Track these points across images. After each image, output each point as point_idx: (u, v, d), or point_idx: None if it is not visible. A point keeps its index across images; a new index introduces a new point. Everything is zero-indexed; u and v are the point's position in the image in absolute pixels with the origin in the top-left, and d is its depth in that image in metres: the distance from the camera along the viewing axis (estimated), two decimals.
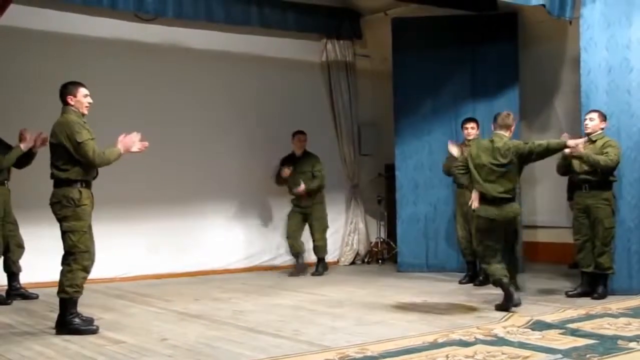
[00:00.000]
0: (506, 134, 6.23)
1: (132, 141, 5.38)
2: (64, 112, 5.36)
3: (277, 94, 9.60)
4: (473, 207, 6.22)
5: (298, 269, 8.87)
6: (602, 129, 6.69)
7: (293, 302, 6.75)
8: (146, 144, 5.45)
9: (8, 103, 6.99)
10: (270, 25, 9.28)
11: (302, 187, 8.72)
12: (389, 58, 9.32)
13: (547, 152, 6.14)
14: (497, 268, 6.05)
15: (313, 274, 8.84)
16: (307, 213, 8.93)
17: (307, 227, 9.01)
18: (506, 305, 6.02)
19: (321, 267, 8.98)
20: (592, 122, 6.67)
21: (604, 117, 6.70)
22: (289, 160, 8.98)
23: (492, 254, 6.10)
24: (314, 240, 9.00)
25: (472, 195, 6.25)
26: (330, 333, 5.23)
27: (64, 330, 5.23)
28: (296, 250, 8.93)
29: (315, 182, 8.82)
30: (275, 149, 9.46)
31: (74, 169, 5.25)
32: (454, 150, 7.72)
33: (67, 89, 5.38)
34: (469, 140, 7.78)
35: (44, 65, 7.84)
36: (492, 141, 6.20)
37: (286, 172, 8.75)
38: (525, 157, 6.14)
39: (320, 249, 9.01)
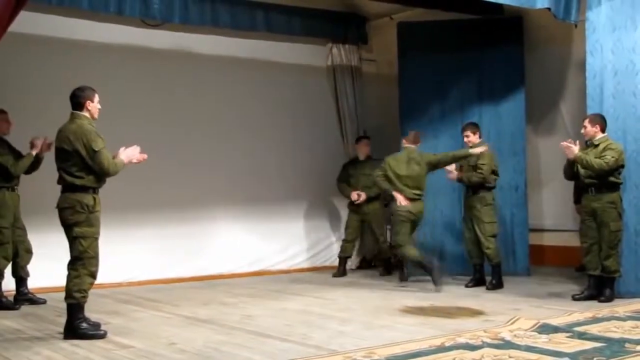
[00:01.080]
0: (415, 147, 7.94)
1: (133, 154, 5.45)
2: (76, 117, 5.37)
3: (283, 98, 9.63)
4: (402, 204, 7.75)
5: (342, 271, 9.18)
6: (598, 131, 6.68)
7: (301, 307, 6.76)
8: (145, 156, 5.50)
9: (15, 108, 7.02)
10: (276, 30, 9.32)
11: (363, 196, 9.07)
12: (395, 62, 9.34)
13: (452, 160, 7.88)
14: (414, 251, 7.75)
15: (381, 274, 9.12)
16: (365, 218, 9.22)
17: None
18: (435, 277, 7.55)
19: (384, 269, 9.21)
20: (585, 129, 6.77)
21: (597, 121, 6.71)
22: (352, 164, 9.34)
23: (407, 240, 7.82)
24: (379, 242, 9.26)
25: (397, 197, 7.76)
26: (337, 337, 5.24)
27: (72, 335, 5.25)
28: (347, 254, 9.31)
29: (376, 189, 8.98)
30: (282, 153, 9.50)
31: (88, 176, 5.28)
32: (452, 176, 7.98)
33: (85, 93, 5.39)
34: (470, 147, 7.83)
35: (50, 70, 7.90)
36: (407, 153, 7.90)
37: (354, 195, 9.13)
38: (434, 166, 7.89)
39: (386, 249, 9.22)
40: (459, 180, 7.95)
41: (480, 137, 7.93)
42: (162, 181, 8.50)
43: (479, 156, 7.75)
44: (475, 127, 7.96)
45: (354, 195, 9.08)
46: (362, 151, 9.34)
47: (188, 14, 8.47)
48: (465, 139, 7.92)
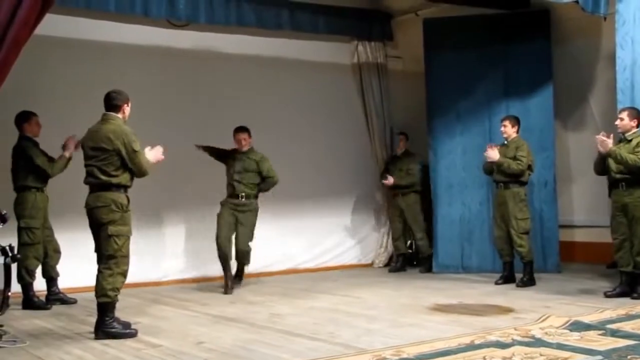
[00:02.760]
0: None
1: (159, 153, 5.56)
2: (111, 119, 5.45)
3: (309, 96, 9.62)
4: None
5: (397, 267, 9.38)
6: (635, 126, 6.59)
7: (328, 305, 6.75)
8: (162, 157, 5.60)
9: (42, 109, 7.10)
10: (302, 28, 9.30)
11: (390, 180, 9.19)
12: (421, 59, 9.28)
13: None
14: None
15: (421, 271, 9.13)
16: (403, 212, 9.31)
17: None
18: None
19: (427, 266, 9.18)
20: (622, 122, 6.64)
21: (635, 115, 6.62)
22: (392, 159, 9.58)
23: None
24: (416, 240, 9.34)
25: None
26: (365, 335, 5.22)
27: (103, 335, 5.30)
28: (400, 252, 9.45)
29: (406, 179, 9.21)
30: (308, 152, 9.49)
31: (123, 175, 5.38)
32: (488, 155, 7.70)
33: (123, 96, 5.51)
34: (506, 139, 7.80)
35: (77, 72, 7.97)
36: None
37: (389, 181, 9.27)
38: None
39: (424, 247, 9.27)
40: (498, 165, 7.66)
41: (517, 132, 7.84)
42: (190, 181, 8.53)
43: (517, 147, 7.68)
44: (515, 120, 7.88)
45: (389, 180, 9.26)
46: (398, 146, 9.51)
47: (214, 14, 8.48)
48: (502, 129, 7.85)
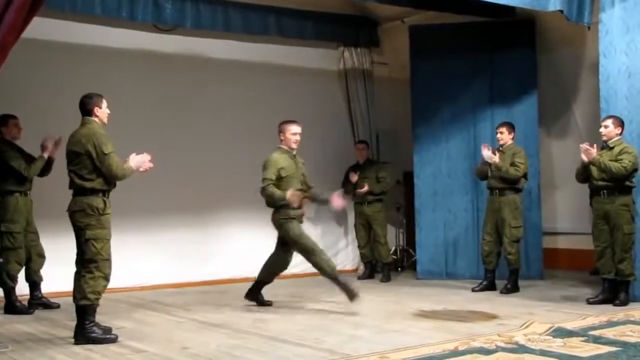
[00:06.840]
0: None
1: (142, 160, 5.49)
2: (87, 122, 5.43)
3: (295, 102, 9.60)
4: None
5: (366, 275, 9.35)
6: (619, 134, 6.66)
7: (314, 311, 6.76)
8: (151, 165, 5.53)
9: (31, 113, 7.08)
10: (288, 34, 9.33)
11: (365, 187, 9.07)
12: (407, 65, 9.32)
13: None
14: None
15: (382, 280, 9.01)
16: (369, 220, 9.22)
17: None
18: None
19: (386, 273, 9.13)
20: (607, 129, 6.68)
21: (619, 123, 6.68)
22: (355, 168, 9.40)
23: None
24: (379, 245, 9.20)
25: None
26: (350, 341, 5.23)
27: (84, 340, 5.27)
28: (367, 259, 9.39)
29: (379, 187, 9.13)
30: None
31: (98, 179, 5.33)
32: (489, 156, 7.69)
33: (92, 100, 5.46)
34: (501, 146, 7.81)
35: (65, 75, 7.93)
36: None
37: (354, 177, 9.19)
38: None
39: (384, 253, 9.22)
40: (497, 168, 7.63)
41: (513, 139, 7.88)
42: (175, 186, 8.51)
43: (514, 154, 7.70)
44: (511, 127, 7.90)
45: (354, 176, 9.18)
46: (360, 155, 9.41)
47: (200, 19, 8.49)
48: (499, 135, 7.86)
